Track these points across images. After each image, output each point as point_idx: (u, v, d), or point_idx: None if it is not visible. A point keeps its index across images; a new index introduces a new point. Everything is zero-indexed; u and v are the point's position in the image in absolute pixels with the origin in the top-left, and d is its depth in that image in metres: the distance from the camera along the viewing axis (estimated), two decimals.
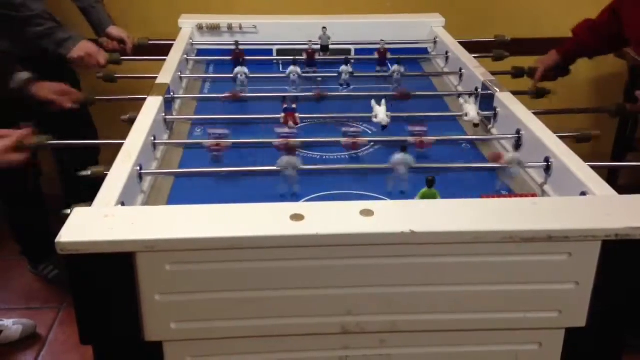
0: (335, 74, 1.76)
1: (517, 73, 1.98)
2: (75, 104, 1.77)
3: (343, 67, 1.72)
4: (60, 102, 1.72)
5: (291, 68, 1.68)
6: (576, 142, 1.44)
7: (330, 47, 1.98)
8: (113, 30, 2.20)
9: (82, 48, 1.99)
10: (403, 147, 1.18)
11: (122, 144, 1.20)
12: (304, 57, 1.85)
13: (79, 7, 2.22)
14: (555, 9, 2.65)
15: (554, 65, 1.97)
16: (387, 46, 1.89)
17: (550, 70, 1.98)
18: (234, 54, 1.88)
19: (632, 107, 1.63)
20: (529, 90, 1.81)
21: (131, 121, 1.48)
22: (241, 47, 2.01)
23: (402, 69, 1.75)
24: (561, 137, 1.26)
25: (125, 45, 2.18)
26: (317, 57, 1.88)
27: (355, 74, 1.74)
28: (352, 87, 1.74)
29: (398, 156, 1.17)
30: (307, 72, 1.80)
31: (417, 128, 1.36)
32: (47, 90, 1.73)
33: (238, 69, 1.69)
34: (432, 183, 1.06)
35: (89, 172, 1.21)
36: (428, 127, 1.38)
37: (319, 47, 1.93)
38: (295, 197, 1.15)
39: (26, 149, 1.34)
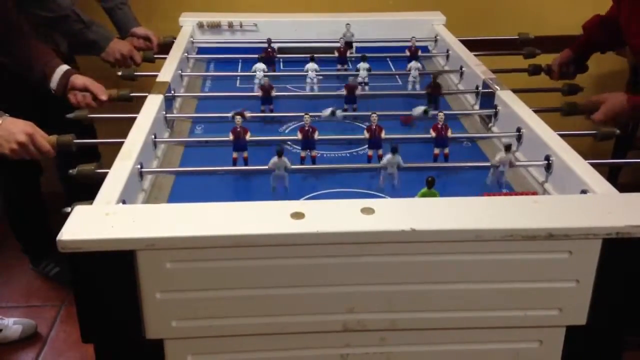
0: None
1: (535, 71, 1.99)
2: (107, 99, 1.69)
3: (361, 64, 1.71)
4: (100, 92, 1.64)
5: (309, 65, 1.67)
6: (597, 140, 1.46)
7: (331, 45, 1.98)
8: (138, 29, 2.18)
9: (116, 50, 1.99)
10: (394, 148, 1.18)
11: (118, 144, 1.20)
12: (336, 54, 1.85)
13: (104, 8, 2.20)
14: (557, 6, 2.64)
15: (567, 61, 1.98)
16: (387, 44, 1.89)
17: (566, 67, 1.98)
18: (265, 52, 1.86)
19: (583, 106, 1.63)
20: (562, 87, 1.82)
21: (77, 119, 1.48)
22: (241, 45, 2.02)
23: (419, 65, 1.74)
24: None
25: (151, 43, 2.16)
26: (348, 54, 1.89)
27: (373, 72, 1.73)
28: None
29: (388, 156, 1.18)
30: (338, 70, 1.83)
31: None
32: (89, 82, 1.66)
33: (258, 65, 1.69)
34: (432, 183, 1.06)
35: (75, 171, 1.20)
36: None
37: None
38: (288, 196, 1.15)
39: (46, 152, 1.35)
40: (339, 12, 2.20)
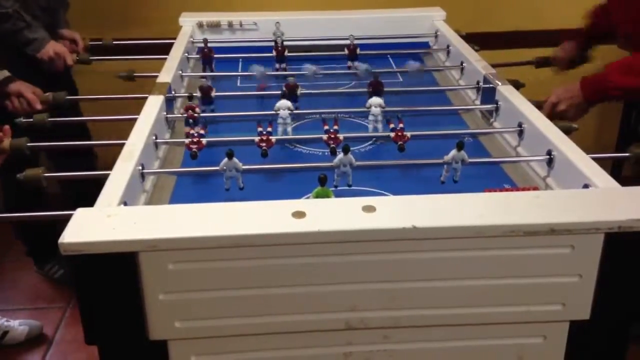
0: (340, 71, 1.78)
1: (542, 62, 2.01)
2: (43, 105, 1.71)
3: (357, 63, 1.73)
4: (34, 101, 1.66)
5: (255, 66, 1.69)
6: None
7: (333, 42, 1.98)
8: (64, 31, 2.21)
9: (51, 49, 2.01)
10: (345, 149, 1.17)
11: (119, 145, 1.20)
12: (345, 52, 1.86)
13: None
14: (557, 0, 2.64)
15: (575, 53, 1.99)
16: (388, 41, 1.89)
17: (573, 60, 1.99)
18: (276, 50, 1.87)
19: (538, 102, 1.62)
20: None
21: (26, 126, 1.47)
22: (241, 44, 2.02)
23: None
24: None
25: (77, 46, 2.19)
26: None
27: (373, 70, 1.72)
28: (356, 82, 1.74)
29: (340, 157, 1.17)
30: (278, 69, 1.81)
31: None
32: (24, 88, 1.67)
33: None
34: (324, 181, 1.04)
35: (22, 176, 1.20)
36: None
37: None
38: (290, 195, 1.13)
39: (1, 153, 1.33)
40: (339, 9, 2.20)
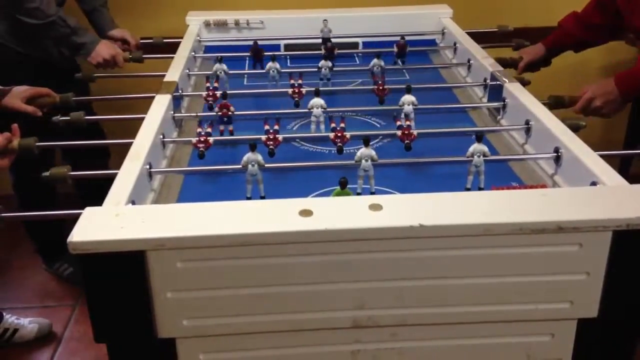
0: (345, 69, 1.78)
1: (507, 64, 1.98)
2: (46, 107, 1.68)
3: (374, 61, 1.72)
4: (33, 112, 1.62)
5: (270, 64, 1.67)
6: None
7: (338, 40, 1.97)
8: (114, 32, 2.22)
9: (101, 53, 2.03)
10: (365, 140, 1.16)
11: (129, 144, 1.21)
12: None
13: (83, 10, 2.25)
14: None
15: (538, 58, 1.97)
16: (395, 38, 1.89)
17: (534, 63, 1.98)
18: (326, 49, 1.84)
19: (570, 99, 1.63)
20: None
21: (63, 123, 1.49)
22: (248, 42, 2.02)
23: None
24: None
25: (129, 46, 2.20)
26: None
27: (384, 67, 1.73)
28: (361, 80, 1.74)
29: (362, 150, 1.16)
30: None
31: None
32: (18, 99, 1.62)
33: (270, 64, 1.69)
34: (344, 184, 1.04)
35: (48, 174, 1.21)
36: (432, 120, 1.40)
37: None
38: (296, 193, 1.14)
39: (10, 153, 1.33)
40: (345, 7, 2.20)
